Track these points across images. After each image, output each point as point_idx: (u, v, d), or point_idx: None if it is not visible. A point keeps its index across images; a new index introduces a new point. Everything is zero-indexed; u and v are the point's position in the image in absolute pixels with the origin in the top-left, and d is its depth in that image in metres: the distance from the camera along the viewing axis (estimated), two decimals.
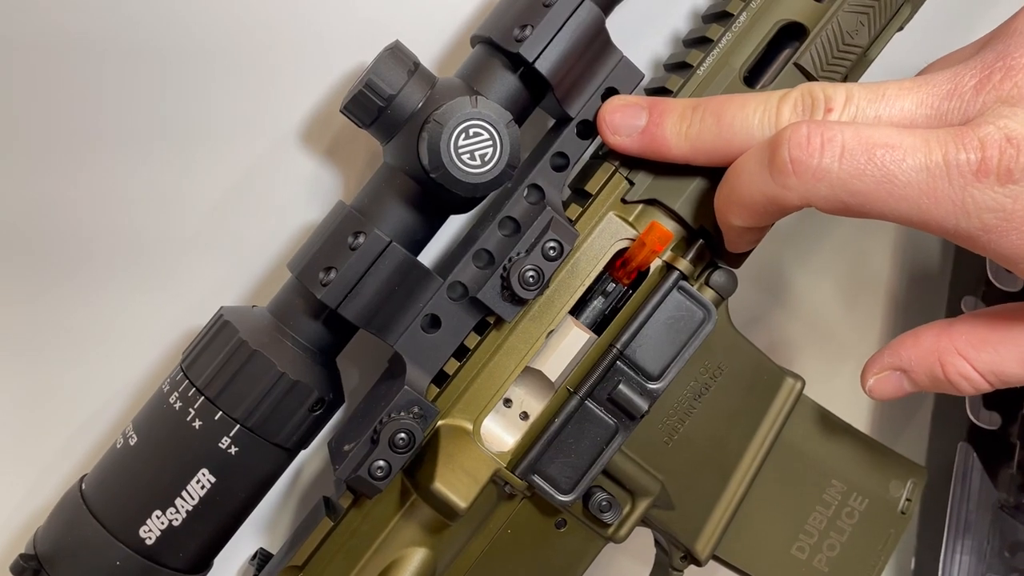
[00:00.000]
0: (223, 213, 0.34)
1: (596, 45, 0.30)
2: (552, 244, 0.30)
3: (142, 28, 0.33)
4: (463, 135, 0.28)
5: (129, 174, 0.34)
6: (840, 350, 0.44)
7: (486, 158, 0.28)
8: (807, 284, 0.43)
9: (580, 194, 0.33)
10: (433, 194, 0.30)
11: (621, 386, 0.32)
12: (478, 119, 0.28)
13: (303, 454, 0.32)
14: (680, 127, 0.30)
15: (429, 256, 0.35)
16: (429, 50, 0.34)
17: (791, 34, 0.32)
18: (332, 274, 0.29)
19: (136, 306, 0.34)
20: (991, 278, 0.41)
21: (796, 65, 0.32)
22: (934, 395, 0.45)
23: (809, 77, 0.32)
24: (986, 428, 0.43)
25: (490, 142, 0.28)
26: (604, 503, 0.33)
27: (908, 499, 0.37)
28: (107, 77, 0.33)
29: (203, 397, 0.28)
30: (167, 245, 0.34)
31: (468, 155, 0.28)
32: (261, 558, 0.34)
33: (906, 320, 0.45)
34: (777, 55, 0.33)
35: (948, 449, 0.45)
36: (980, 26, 0.32)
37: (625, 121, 0.30)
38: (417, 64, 0.30)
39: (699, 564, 0.35)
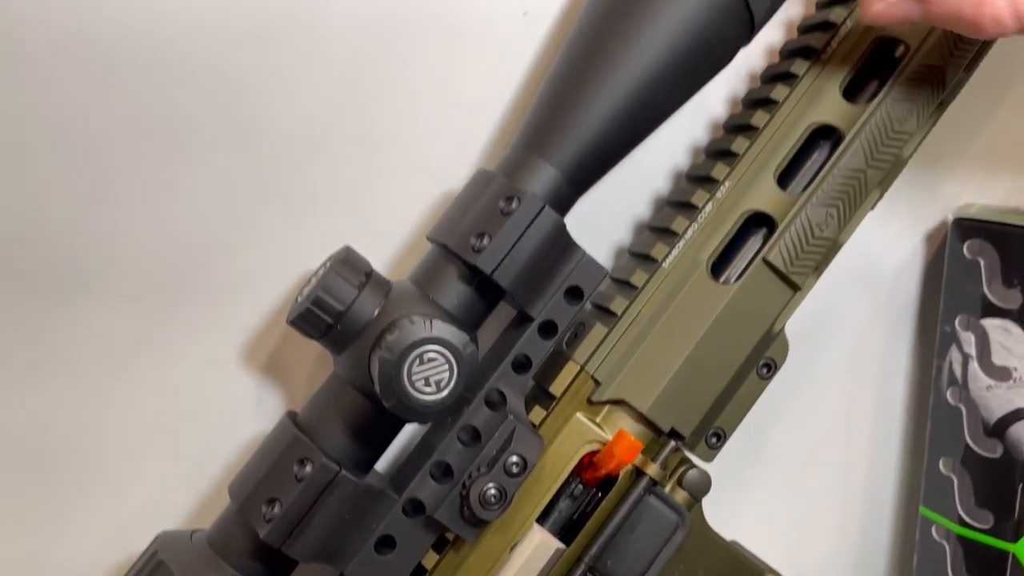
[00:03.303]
0: (162, 426, 0.31)
1: (557, 249, 0.29)
2: (515, 460, 0.28)
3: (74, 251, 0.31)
4: (417, 361, 0.26)
5: (72, 392, 0.31)
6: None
7: (441, 384, 0.26)
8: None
9: (545, 393, 0.31)
10: (384, 414, 0.28)
11: None
12: (433, 344, 0.26)
13: None
14: None
15: (382, 460, 0.32)
16: (382, 250, 0.33)
17: (758, 222, 0.32)
18: (276, 507, 0.26)
19: (73, 524, 0.31)
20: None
21: (764, 261, 0.31)
22: (916, 556, 0.43)
23: (778, 273, 0.31)
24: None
25: (445, 367, 0.26)
26: None
27: None
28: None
29: None
30: (106, 460, 0.31)
31: (423, 382, 0.26)
32: None
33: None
34: (744, 243, 0.32)
35: None
36: None
37: None
38: (369, 273, 0.28)
39: None
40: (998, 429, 0.39)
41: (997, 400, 0.39)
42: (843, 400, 0.42)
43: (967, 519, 0.40)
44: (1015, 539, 0.39)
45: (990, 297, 0.38)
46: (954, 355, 0.40)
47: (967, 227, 0.39)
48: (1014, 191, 0.42)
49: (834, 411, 0.42)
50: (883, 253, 0.41)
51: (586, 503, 0.31)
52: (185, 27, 0.31)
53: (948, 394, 0.40)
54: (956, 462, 0.41)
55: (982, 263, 0.39)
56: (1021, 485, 0.39)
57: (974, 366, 0.39)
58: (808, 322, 0.38)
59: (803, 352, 0.39)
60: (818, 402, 0.41)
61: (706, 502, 0.33)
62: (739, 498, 0.39)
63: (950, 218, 0.40)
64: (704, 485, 0.31)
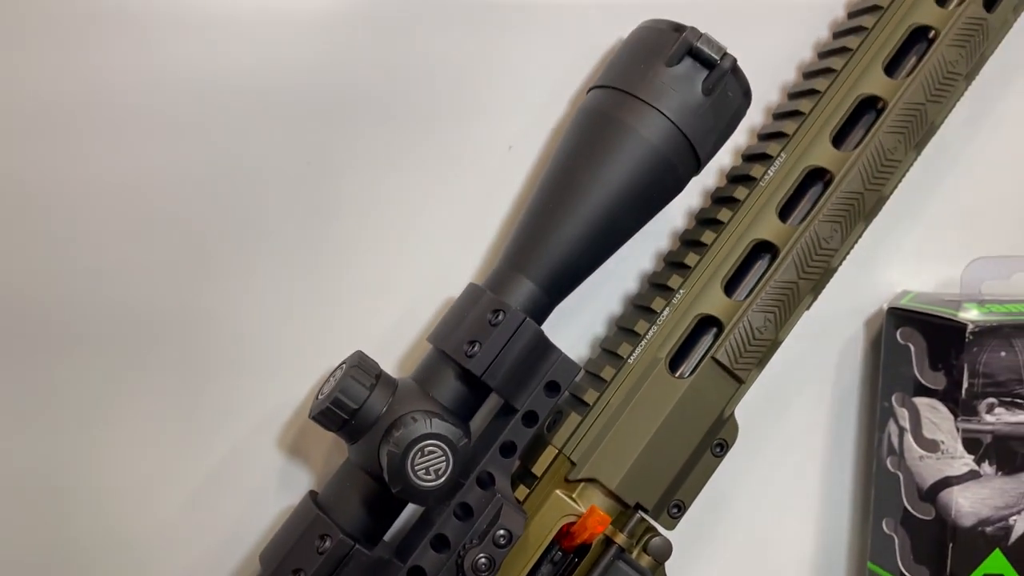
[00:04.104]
0: (199, 501, 0.37)
1: (537, 351, 0.34)
2: (502, 533, 0.33)
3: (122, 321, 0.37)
4: (419, 454, 0.31)
5: (117, 457, 0.37)
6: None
7: (439, 472, 0.31)
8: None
9: (528, 473, 0.36)
10: (390, 498, 0.33)
11: None
12: (433, 439, 0.31)
13: None
14: None
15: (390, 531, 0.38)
16: (391, 346, 0.38)
17: (708, 324, 0.37)
18: None
19: None
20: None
21: (713, 359, 0.36)
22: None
23: (725, 369, 0.36)
24: None
25: (443, 458, 0.31)
26: None
27: None
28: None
29: None
30: (143, 533, 0.36)
31: (423, 471, 0.31)
32: None
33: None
34: (697, 342, 0.37)
35: None
36: None
37: None
38: (379, 376, 0.33)
39: None
40: (930, 494, 0.44)
41: (928, 469, 0.44)
42: (797, 468, 0.47)
43: (907, 574, 0.45)
44: None
45: (920, 378, 0.44)
46: (892, 428, 0.45)
47: (899, 316, 0.44)
48: (946, 280, 0.48)
49: (790, 478, 0.47)
50: (830, 337, 0.46)
51: (564, 567, 0.36)
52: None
53: (888, 462, 0.45)
54: (897, 523, 0.46)
55: (912, 348, 0.44)
56: (951, 544, 0.44)
57: (908, 438, 0.45)
58: (763, 401, 0.44)
59: (760, 427, 0.45)
60: (775, 472, 0.46)
61: (673, 563, 0.38)
62: (702, 561, 0.44)
63: (885, 307, 0.45)
64: (666, 551, 0.36)
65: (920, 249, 0.47)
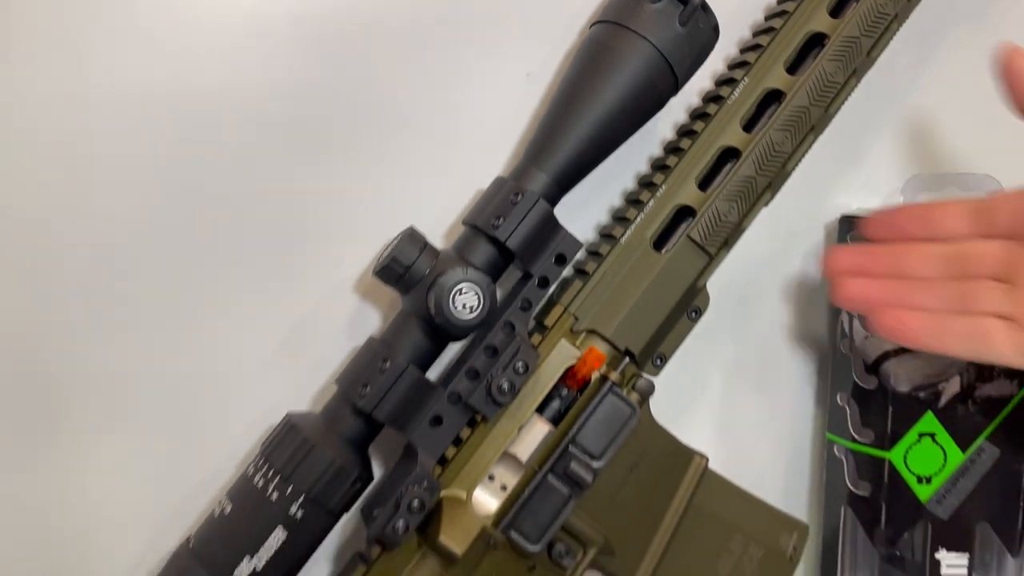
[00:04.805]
0: (291, 343, 0.48)
1: (547, 227, 0.44)
2: (520, 364, 0.43)
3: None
4: (458, 293, 0.41)
5: (217, 314, 0.48)
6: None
7: (474, 309, 0.41)
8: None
9: (541, 326, 0.46)
10: (437, 331, 0.43)
11: (572, 464, 0.44)
12: (469, 283, 0.41)
13: (342, 519, 0.44)
14: None
15: (435, 370, 0.48)
16: (436, 229, 0.49)
17: (685, 213, 0.47)
18: (367, 389, 0.42)
19: (225, 417, 0.48)
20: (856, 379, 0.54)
21: (688, 237, 0.46)
22: (825, 469, 0.57)
23: (698, 246, 0.46)
24: (860, 495, 0.55)
25: (477, 299, 0.41)
26: (562, 551, 0.45)
27: (794, 548, 0.49)
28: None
29: (279, 477, 0.41)
30: (249, 364, 0.48)
31: (462, 306, 0.41)
32: None
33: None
34: (677, 228, 0.47)
35: (836, 513, 0.56)
36: None
37: None
38: (425, 244, 0.43)
39: None
40: (874, 367, 0.53)
41: (872, 346, 0.53)
42: (767, 354, 0.56)
43: (856, 437, 0.54)
44: (889, 448, 0.53)
45: None
46: (844, 316, 0.54)
47: (849, 221, 0.54)
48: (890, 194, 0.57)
49: (763, 359, 0.56)
50: (796, 241, 0.56)
51: (570, 400, 0.46)
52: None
53: (841, 345, 0.55)
54: (848, 395, 0.55)
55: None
56: (890, 408, 0.53)
57: (856, 322, 0.54)
58: (736, 292, 0.54)
59: (735, 316, 0.54)
60: (748, 355, 0.55)
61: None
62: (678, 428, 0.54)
63: (839, 215, 0.55)
64: (650, 389, 0.46)
65: (869, 175, 0.56)
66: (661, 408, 0.47)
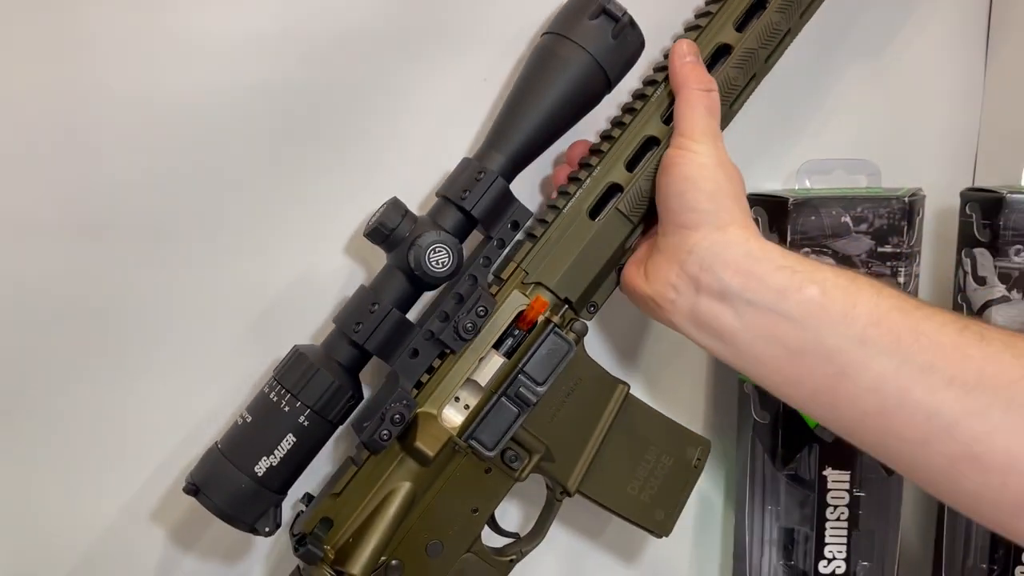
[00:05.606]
0: (302, 286, 0.60)
1: (504, 199, 0.55)
2: (481, 308, 0.54)
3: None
4: (432, 251, 0.52)
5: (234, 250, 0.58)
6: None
7: (445, 264, 0.52)
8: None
9: (498, 279, 0.57)
10: (415, 281, 0.54)
11: (521, 388, 0.55)
12: (441, 243, 0.52)
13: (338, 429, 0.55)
14: None
15: (414, 313, 0.59)
16: (414, 199, 0.60)
17: (615, 189, 0.57)
18: (360, 326, 0.52)
19: (242, 346, 0.59)
20: None
21: (616, 208, 0.57)
22: (737, 398, 0.69)
23: (624, 216, 0.57)
24: (762, 423, 0.67)
25: (448, 256, 0.52)
26: (512, 456, 0.56)
27: (698, 458, 0.61)
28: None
29: (290, 394, 0.52)
30: (260, 303, 0.59)
31: (435, 263, 0.52)
32: (308, 497, 0.57)
33: None
34: (608, 201, 0.58)
35: (746, 439, 0.69)
36: None
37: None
38: (406, 211, 0.54)
39: (570, 495, 0.58)
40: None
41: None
42: None
43: None
44: None
45: None
46: None
47: (751, 199, 0.65)
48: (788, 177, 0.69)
49: None
50: None
51: (520, 338, 0.57)
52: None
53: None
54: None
55: (758, 220, 0.65)
56: None
57: None
58: None
59: None
60: None
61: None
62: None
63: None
64: (584, 331, 0.57)
65: (773, 162, 0.68)
66: (594, 346, 0.59)
